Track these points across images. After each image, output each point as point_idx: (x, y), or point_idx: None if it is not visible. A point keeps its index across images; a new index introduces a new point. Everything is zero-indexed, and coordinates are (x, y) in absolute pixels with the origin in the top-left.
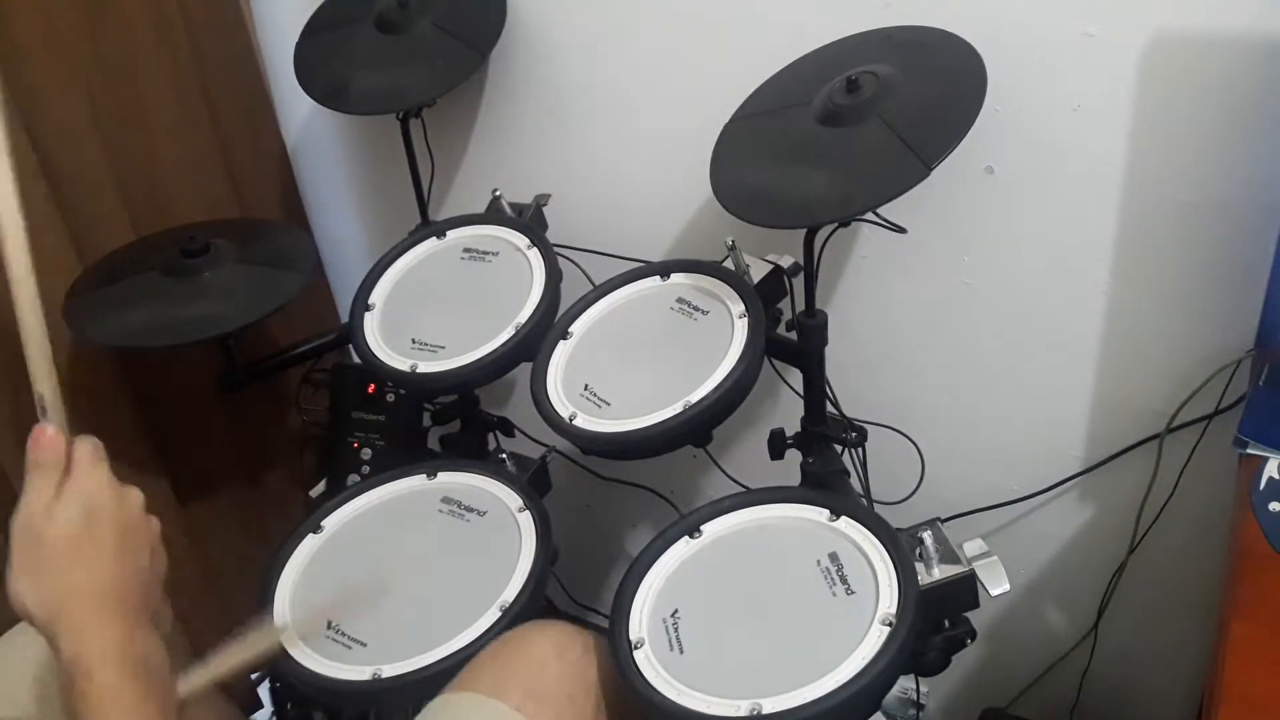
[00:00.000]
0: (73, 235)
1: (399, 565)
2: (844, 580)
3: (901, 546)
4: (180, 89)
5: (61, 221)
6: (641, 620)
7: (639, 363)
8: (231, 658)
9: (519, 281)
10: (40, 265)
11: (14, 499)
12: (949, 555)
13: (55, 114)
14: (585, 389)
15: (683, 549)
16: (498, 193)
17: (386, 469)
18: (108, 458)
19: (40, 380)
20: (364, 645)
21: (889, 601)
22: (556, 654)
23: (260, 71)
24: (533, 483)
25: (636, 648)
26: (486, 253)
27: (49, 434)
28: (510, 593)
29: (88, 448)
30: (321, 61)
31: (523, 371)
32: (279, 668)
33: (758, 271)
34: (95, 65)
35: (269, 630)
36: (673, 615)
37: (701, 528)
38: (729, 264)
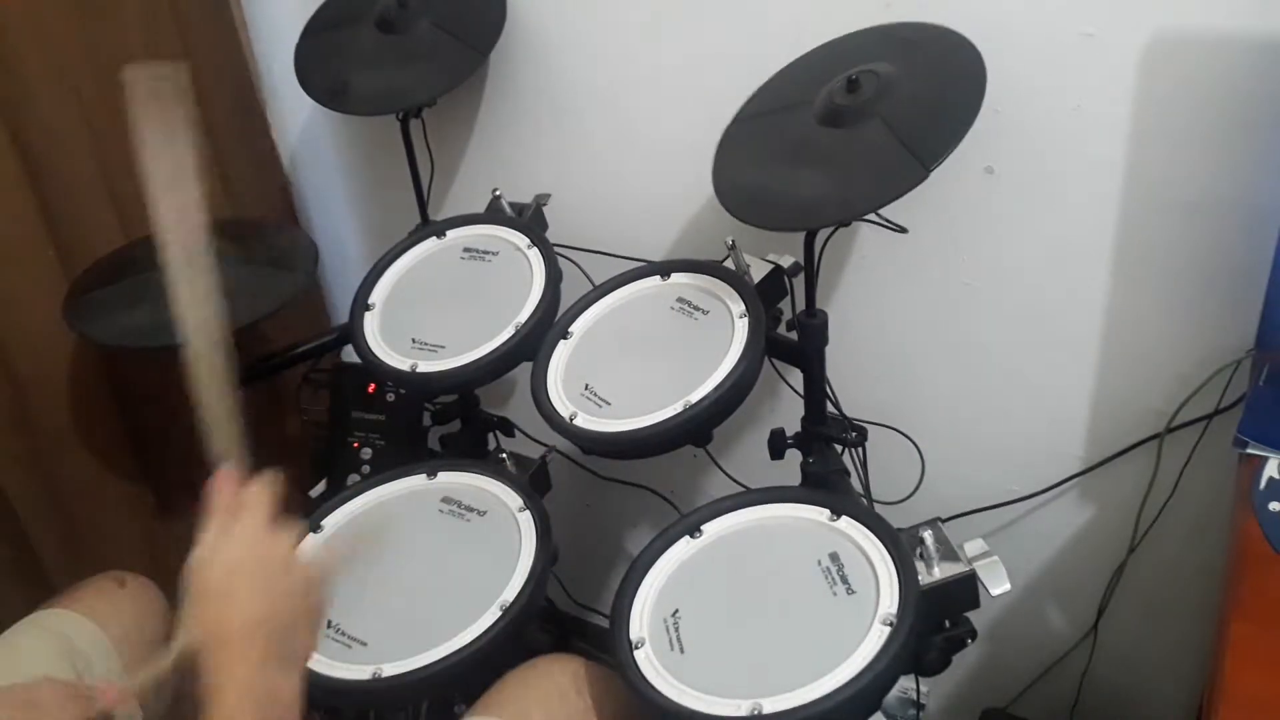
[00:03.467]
0: (60, 235)
1: (399, 565)
2: (844, 580)
3: (902, 546)
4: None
5: (47, 221)
6: (642, 620)
7: (639, 362)
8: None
9: (519, 281)
10: (25, 266)
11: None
12: (949, 555)
13: (45, 114)
14: (585, 389)
15: (683, 549)
16: (498, 193)
17: (386, 469)
18: (275, 497)
19: (218, 430)
20: (364, 645)
21: (889, 601)
22: (576, 688)
23: (249, 72)
24: (533, 483)
25: (637, 648)
26: (486, 253)
27: (223, 479)
28: (510, 592)
29: (255, 491)
30: (321, 61)
31: (523, 371)
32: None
33: (758, 271)
34: (86, 65)
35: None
36: (673, 615)
37: (702, 528)
38: (729, 264)
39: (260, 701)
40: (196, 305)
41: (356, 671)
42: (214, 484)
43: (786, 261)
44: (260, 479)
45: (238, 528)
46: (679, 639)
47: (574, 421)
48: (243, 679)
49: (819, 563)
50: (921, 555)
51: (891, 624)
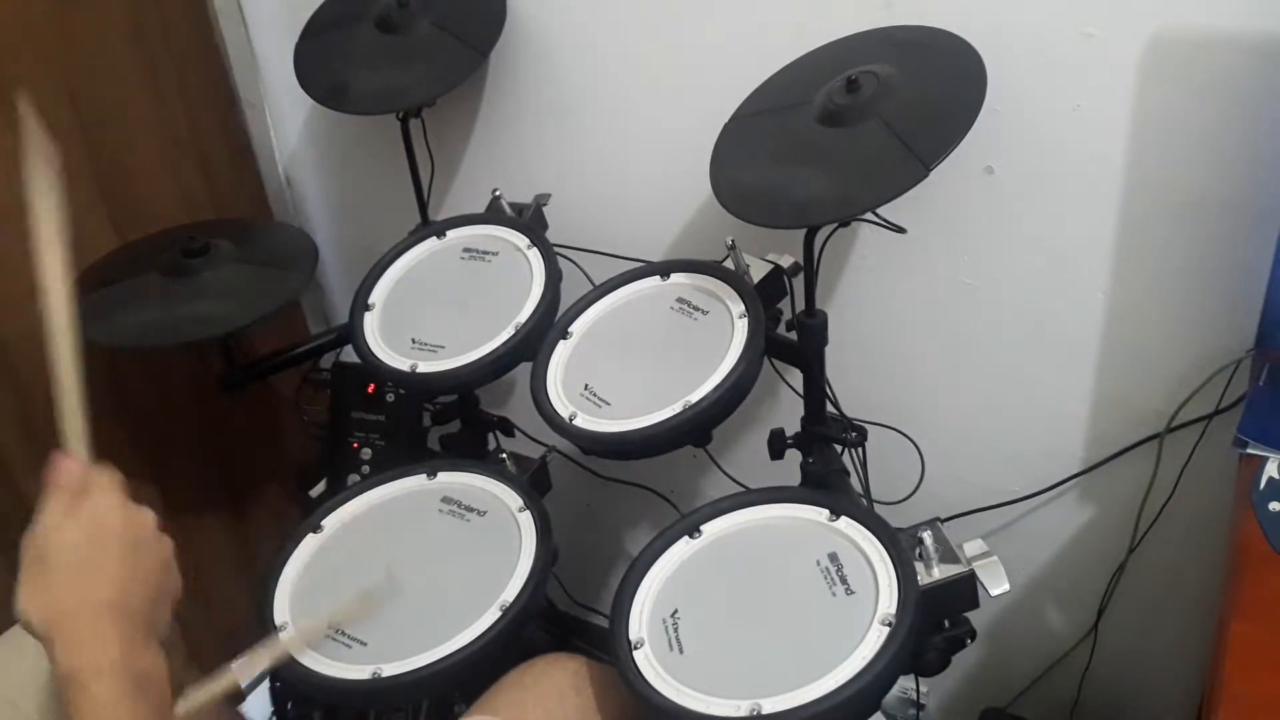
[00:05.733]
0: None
1: (399, 565)
2: (844, 580)
3: (901, 546)
4: (155, 88)
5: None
6: (641, 620)
7: (639, 363)
8: (233, 675)
9: (519, 281)
10: (26, 267)
11: (19, 497)
12: (949, 555)
13: (38, 115)
14: (585, 389)
15: (683, 549)
16: (498, 193)
17: (386, 469)
18: (123, 482)
19: (65, 413)
20: (364, 645)
21: (889, 601)
22: (575, 688)
23: (227, 70)
24: (533, 483)
25: (636, 648)
26: (486, 253)
27: (66, 461)
28: (510, 593)
29: (105, 474)
30: (321, 61)
31: (523, 371)
32: (279, 667)
33: (758, 271)
34: (76, 67)
35: (273, 644)
36: (673, 615)
37: (701, 528)
38: (729, 264)
39: (138, 683)
40: (56, 283)
41: (356, 671)
42: (54, 466)
43: (786, 261)
44: (104, 465)
45: (89, 504)
46: (678, 639)
47: (574, 421)
48: (113, 657)
49: (818, 563)
50: (921, 555)
51: (891, 624)
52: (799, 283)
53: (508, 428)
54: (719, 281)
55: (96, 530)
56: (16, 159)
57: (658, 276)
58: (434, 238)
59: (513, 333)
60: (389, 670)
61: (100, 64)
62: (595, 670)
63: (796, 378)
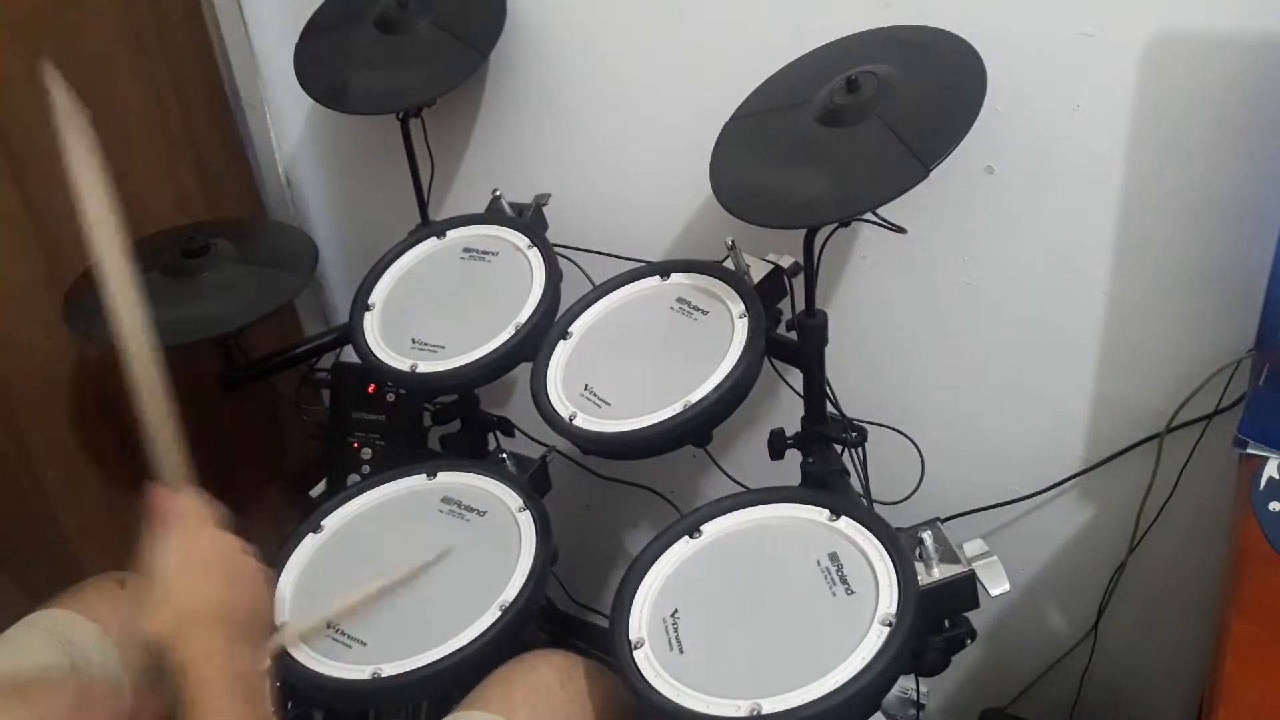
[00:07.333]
0: (47, 236)
1: (399, 565)
2: (844, 580)
3: (901, 546)
4: (152, 88)
5: (34, 220)
6: (641, 620)
7: (639, 363)
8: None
9: (519, 281)
10: (11, 266)
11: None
12: (949, 555)
13: (28, 113)
14: (585, 389)
15: (683, 549)
16: (498, 193)
17: (386, 469)
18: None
19: (161, 448)
20: (364, 645)
21: (889, 601)
22: (561, 681)
23: (224, 70)
24: (533, 483)
25: (636, 648)
26: (486, 253)
27: (161, 493)
28: (510, 592)
29: (196, 501)
30: (321, 61)
31: (523, 371)
32: (279, 667)
33: (758, 271)
34: (68, 65)
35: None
36: (672, 615)
37: (701, 528)
38: (729, 264)
39: (237, 677)
40: (134, 327)
41: (356, 671)
42: (154, 497)
43: (786, 261)
44: (193, 493)
45: (194, 529)
46: (678, 639)
47: (574, 422)
48: (219, 656)
49: (818, 563)
50: (921, 555)
51: (891, 624)
52: (799, 283)
53: (508, 428)
54: (719, 281)
55: (204, 550)
56: None
57: (658, 276)
58: (434, 238)
59: (513, 333)
60: (389, 670)
61: (96, 64)
62: (583, 665)
63: (796, 378)
